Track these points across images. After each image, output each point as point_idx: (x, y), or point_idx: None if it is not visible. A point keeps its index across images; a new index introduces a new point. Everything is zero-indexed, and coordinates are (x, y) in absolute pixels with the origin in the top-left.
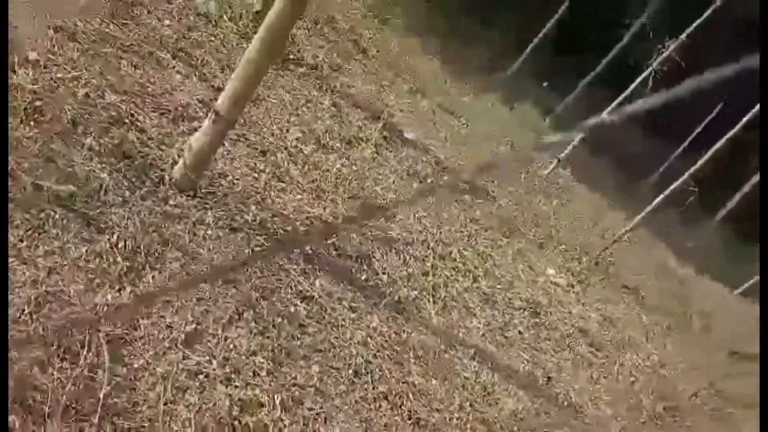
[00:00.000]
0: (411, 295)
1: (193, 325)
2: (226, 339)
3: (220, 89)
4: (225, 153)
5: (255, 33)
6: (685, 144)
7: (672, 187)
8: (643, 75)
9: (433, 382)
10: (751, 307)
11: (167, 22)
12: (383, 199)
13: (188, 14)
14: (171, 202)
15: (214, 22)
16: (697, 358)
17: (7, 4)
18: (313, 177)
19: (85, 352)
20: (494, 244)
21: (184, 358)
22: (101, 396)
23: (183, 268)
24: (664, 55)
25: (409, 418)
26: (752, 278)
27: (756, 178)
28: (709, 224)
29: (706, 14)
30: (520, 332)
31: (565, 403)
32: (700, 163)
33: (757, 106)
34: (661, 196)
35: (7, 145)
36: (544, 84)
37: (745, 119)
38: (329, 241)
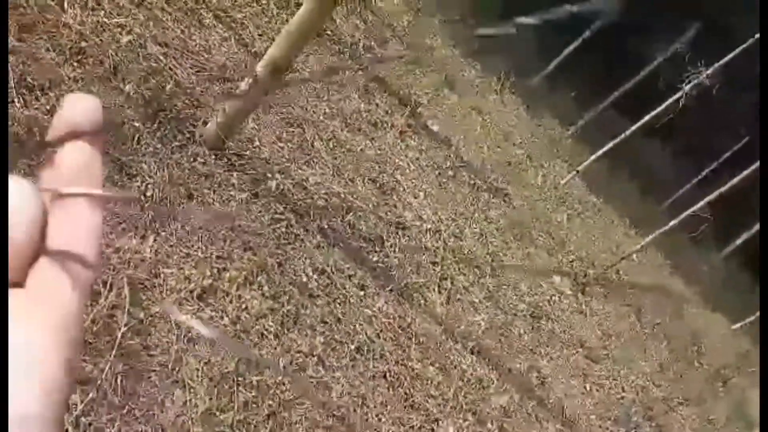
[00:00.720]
0: (418, 282)
1: (210, 281)
2: (239, 298)
3: (257, 54)
4: (254, 118)
5: (296, 3)
6: (706, 171)
7: (687, 212)
8: (674, 97)
9: (431, 369)
10: (744, 341)
11: None
12: (401, 186)
13: None
14: (200, 159)
15: None
16: (689, 384)
17: (7, 3)
18: (336, 154)
19: (106, 292)
20: (504, 245)
21: (198, 310)
22: (119, 335)
23: (205, 224)
24: (695, 81)
25: (405, 400)
26: (752, 315)
27: None
28: (719, 255)
29: (741, 47)
30: (520, 334)
31: (555, 408)
32: (717, 192)
33: None
34: (676, 220)
35: (7, 145)
36: (572, 94)
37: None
38: (345, 219)
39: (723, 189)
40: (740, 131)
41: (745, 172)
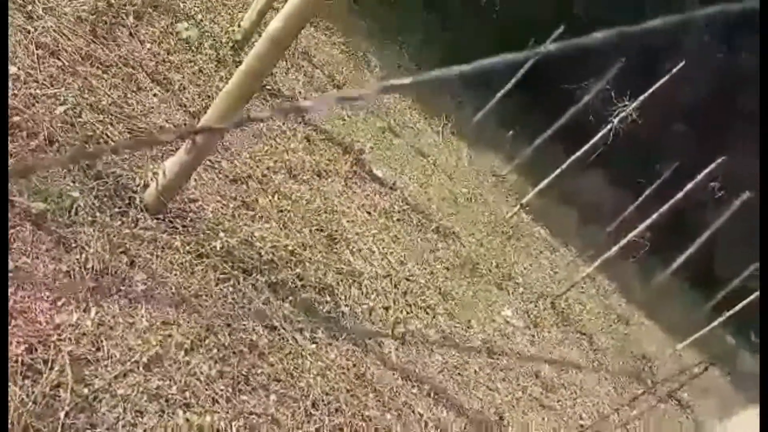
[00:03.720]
0: (371, 329)
1: (156, 349)
2: (187, 364)
3: (195, 115)
4: (196, 178)
5: (234, 61)
6: (642, 197)
7: (627, 238)
8: (603, 131)
9: (388, 416)
10: (690, 357)
11: (148, 45)
12: (349, 233)
13: (169, 39)
14: (141, 224)
15: (194, 49)
16: (643, 404)
17: (7, 3)
18: (282, 207)
19: (47, 371)
20: (455, 283)
21: (144, 381)
22: (62, 416)
23: (148, 291)
24: (623, 114)
25: None
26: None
27: (706, 235)
28: (662, 275)
29: (662, 80)
30: (475, 371)
31: None
32: (654, 217)
33: (709, 167)
34: (616, 246)
35: (7, 144)
36: (510, 133)
37: (699, 177)
38: (294, 271)
39: (659, 212)
40: (670, 158)
41: (679, 195)
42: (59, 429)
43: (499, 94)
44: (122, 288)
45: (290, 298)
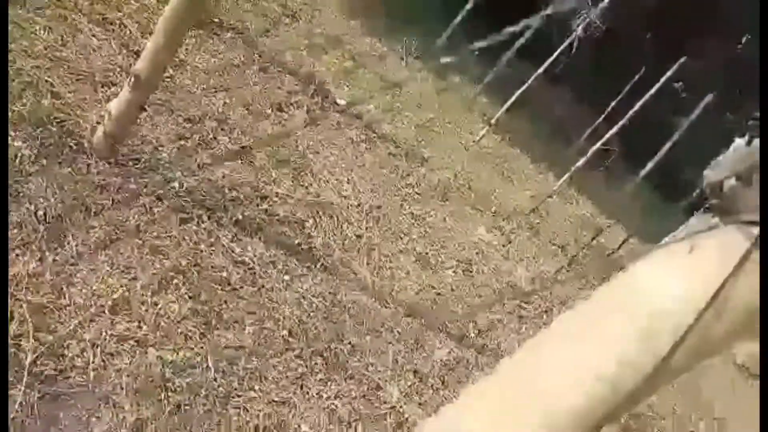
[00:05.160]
0: (345, 257)
1: (121, 292)
2: (156, 305)
3: (139, 53)
4: (148, 119)
5: None
6: (610, 107)
7: (594, 147)
8: (567, 41)
9: (367, 338)
10: None
11: None
12: (316, 165)
13: None
14: (93, 169)
15: None
16: None
17: (7, 3)
18: (242, 142)
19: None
20: (428, 207)
21: (112, 324)
22: (27, 364)
23: (107, 236)
24: (586, 21)
25: (344, 372)
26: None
27: (673, 139)
28: (632, 183)
29: None
30: (452, 289)
31: (495, 353)
32: (620, 123)
33: (675, 65)
34: (585, 157)
35: (7, 145)
36: (475, 51)
37: (662, 79)
38: (261, 207)
39: (625, 119)
40: (636, 64)
41: (643, 99)
42: (25, 376)
43: (462, 12)
44: (79, 235)
45: (259, 233)
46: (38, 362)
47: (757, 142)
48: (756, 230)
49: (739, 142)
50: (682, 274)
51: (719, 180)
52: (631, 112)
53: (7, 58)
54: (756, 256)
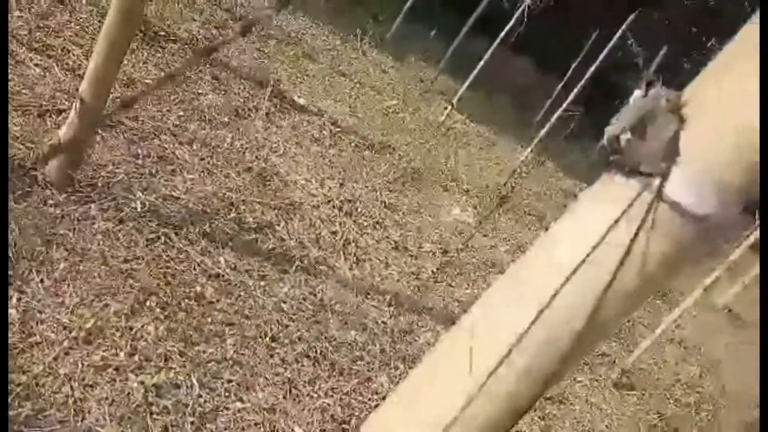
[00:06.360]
0: (321, 255)
1: (92, 322)
2: (131, 329)
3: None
4: (101, 142)
5: None
6: (569, 74)
7: (557, 113)
8: (518, 12)
9: (352, 333)
10: None
11: (17, 13)
12: (281, 168)
13: (39, 1)
14: (50, 201)
15: (71, 6)
16: None
17: (7, 3)
18: (202, 155)
19: None
20: (399, 195)
21: (88, 355)
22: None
23: (72, 267)
24: None
25: (333, 370)
26: None
27: (638, 92)
28: (598, 145)
29: None
30: (432, 272)
31: None
32: (579, 87)
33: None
34: (548, 124)
35: (6, 144)
36: (432, 33)
37: (615, 38)
38: (229, 217)
39: (583, 81)
40: (589, 28)
41: (598, 60)
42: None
43: None
44: (41, 269)
45: (230, 243)
46: (14, 405)
47: (652, 92)
48: (656, 181)
49: (637, 93)
50: (590, 236)
51: (616, 135)
52: (588, 75)
53: (7, 57)
54: (662, 207)
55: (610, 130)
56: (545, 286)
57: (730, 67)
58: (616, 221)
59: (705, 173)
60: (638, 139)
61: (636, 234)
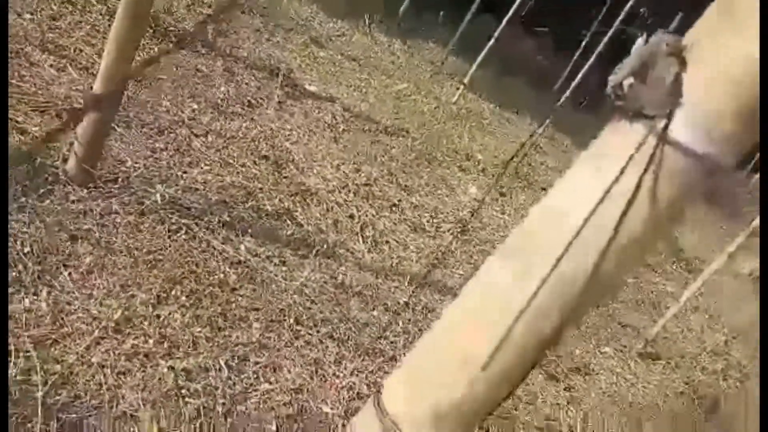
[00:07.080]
0: (340, 239)
1: (121, 312)
2: (158, 317)
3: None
4: (118, 138)
5: None
6: (582, 46)
7: (572, 86)
8: None
9: (375, 313)
10: None
11: (28, 15)
12: (296, 155)
13: (49, 3)
14: (72, 197)
15: (80, 7)
16: None
17: (7, 3)
18: (218, 145)
19: (13, 359)
20: (415, 176)
21: (119, 343)
22: (39, 396)
23: (98, 260)
24: None
25: (357, 350)
26: None
27: (640, 41)
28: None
29: None
30: (452, 251)
31: None
32: (592, 58)
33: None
34: (563, 96)
35: (7, 140)
36: (440, 14)
37: (627, 6)
38: (248, 205)
39: (596, 53)
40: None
41: (612, 30)
42: (39, 408)
43: None
44: (69, 264)
45: (249, 231)
46: (51, 393)
47: (653, 39)
48: (660, 123)
49: (639, 42)
50: (598, 183)
51: (619, 81)
52: (600, 45)
53: (7, 57)
54: (668, 150)
55: (613, 78)
56: (555, 245)
57: (729, 8)
58: (623, 169)
59: (705, 113)
60: (640, 84)
61: (645, 171)
